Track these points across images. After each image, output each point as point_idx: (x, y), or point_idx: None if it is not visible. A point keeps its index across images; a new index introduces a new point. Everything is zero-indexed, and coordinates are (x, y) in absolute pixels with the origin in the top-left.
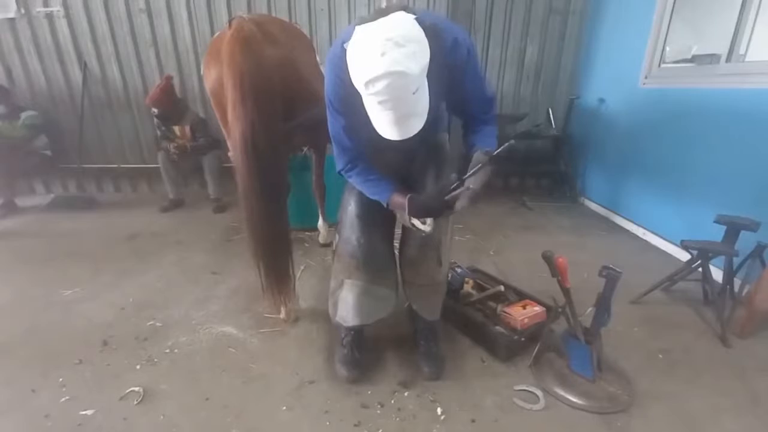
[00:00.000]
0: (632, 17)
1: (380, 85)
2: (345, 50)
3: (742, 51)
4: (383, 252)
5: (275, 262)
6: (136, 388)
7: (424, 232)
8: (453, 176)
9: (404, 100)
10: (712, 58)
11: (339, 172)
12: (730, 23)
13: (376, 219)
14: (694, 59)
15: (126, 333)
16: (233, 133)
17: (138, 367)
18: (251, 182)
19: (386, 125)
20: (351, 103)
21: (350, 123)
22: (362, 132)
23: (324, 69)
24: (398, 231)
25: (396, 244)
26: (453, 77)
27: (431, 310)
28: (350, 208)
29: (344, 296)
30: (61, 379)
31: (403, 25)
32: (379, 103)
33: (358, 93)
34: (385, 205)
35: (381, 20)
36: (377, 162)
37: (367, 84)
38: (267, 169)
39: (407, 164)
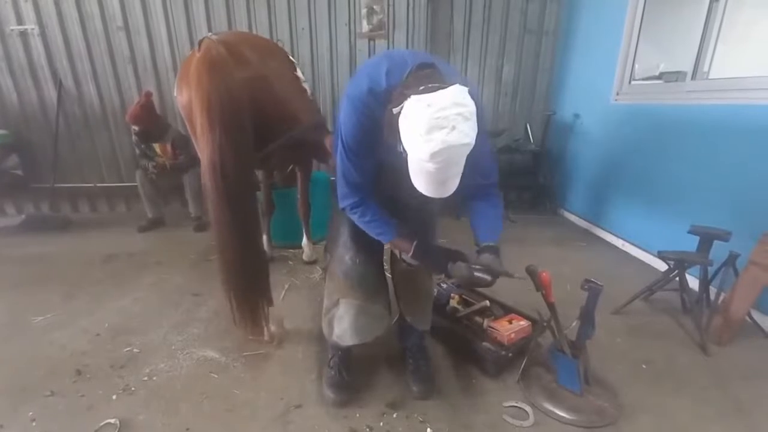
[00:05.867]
0: (602, 37)
1: (446, 155)
2: (374, 99)
3: (705, 68)
4: (376, 271)
5: (247, 292)
6: (112, 420)
7: (411, 265)
8: (468, 255)
9: (457, 165)
10: (679, 75)
11: (342, 209)
12: (693, 42)
13: (370, 239)
14: (661, 76)
15: (101, 361)
16: (202, 159)
17: (114, 397)
18: (221, 209)
19: (431, 185)
20: (367, 147)
21: (362, 165)
22: (371, 173)
23: (306, 85)
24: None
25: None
26: None
27: (424, 320)
28: (342, 227)
29: (340, 316)
30: (30, 413)
31: (466, 100)
32: (436, 169)
33: (377, 139)
34: (385, 244)
35: (441, 92)
36: (379, 198)
37: (433, 155)
38: (237, 195)
39: (408, 205)
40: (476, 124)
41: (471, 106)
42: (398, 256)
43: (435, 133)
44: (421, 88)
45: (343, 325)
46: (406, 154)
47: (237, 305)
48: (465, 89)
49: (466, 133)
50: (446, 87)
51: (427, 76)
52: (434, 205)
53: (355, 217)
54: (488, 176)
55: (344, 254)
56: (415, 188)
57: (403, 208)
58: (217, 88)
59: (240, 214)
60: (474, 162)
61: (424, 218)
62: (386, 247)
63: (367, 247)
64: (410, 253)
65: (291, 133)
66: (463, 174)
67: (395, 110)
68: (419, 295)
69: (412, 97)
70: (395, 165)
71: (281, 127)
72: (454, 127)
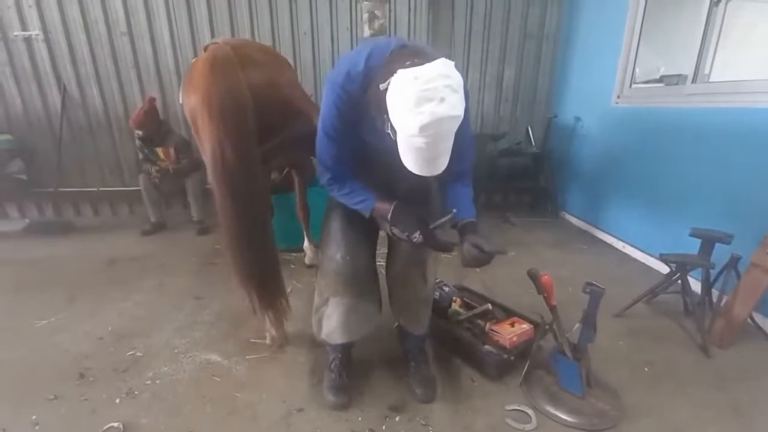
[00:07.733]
0: (603, 40)
1: (436, 128)
2: (351, 82)
3: (706, 72)
4: (367, 269)
5: (263, 285)
6: (116, 424)
7: (404, 238)
8: (452, 211)
9: (446, 141)
10: (679, 79)
11: (322, 185)
12: (694, 45)
13: (360, 236)
14: (662, 79)
15: (104, 364)
16: (205, 154)
17: (117, 400)
18: (227, 202)
19: (421, 163)
20: (344, 131)
21: (338, 148)
22: (348, 156)
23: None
24: (383, 250)
25: (380, 262)
26: None
27: (417, 324)
28: (334, 224)
29: (329, 313)
30: (34, 417)
31: (452, 72)
32: (426, 144)
33: (355, 122)
34: (367, 215)
35: (428, 66)
36: (371, 184)
37: (422, 128)
38: (241, 186)
39: (395, 188)
40: (464, 97)
41: (458, 78)
42: (389, 232)
43: (424, 105)
44: (407, 63)
45: (332, 324)
46: (395, 134)
47: (258, 299)
48: (451, 63)
49: (455, 105)
50: (432, 60)
51: (411, 53)
52: (430, 192)
53: (333, 192)
54: (464, 162)
55: (335, 252)
56: (406, 171)
57: (397, 193)
58: (219, 82)
59: (245, 205)
60: (456, 146)
61: (420, 201)
62: (383, 249)
63: (358, 244)
64: (389, 216)
65: (294, 129)
66: None
67: (382, 86)
68: (410, 302)
69: (399, 71)
70: (384, 148)
71: (287, 123)
72: (443, 99)
